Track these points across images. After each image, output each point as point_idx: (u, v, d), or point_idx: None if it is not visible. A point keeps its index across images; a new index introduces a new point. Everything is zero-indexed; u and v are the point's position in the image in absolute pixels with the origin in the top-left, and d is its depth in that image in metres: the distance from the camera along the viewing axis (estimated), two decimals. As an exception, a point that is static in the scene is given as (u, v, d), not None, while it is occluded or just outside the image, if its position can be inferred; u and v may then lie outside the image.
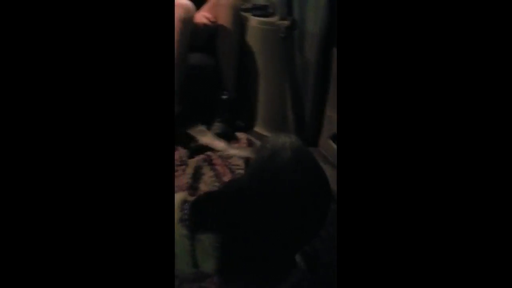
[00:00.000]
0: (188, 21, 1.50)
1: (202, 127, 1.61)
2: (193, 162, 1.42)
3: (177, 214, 0.78)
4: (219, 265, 0.75)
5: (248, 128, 1.77)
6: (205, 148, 1.51)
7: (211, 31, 1.66)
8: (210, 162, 1.44)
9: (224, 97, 1.68)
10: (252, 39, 1.73)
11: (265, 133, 1.75)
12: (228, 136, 1.63)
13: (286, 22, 1.62)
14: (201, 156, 1.46)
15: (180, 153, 1.46)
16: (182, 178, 1.31)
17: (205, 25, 1.63)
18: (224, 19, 1.66)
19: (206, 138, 1.54)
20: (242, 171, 1.38)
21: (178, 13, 1.48)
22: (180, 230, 0.75)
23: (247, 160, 1.44)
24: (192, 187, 1.28)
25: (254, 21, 1.71)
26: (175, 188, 1.21)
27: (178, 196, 0.82)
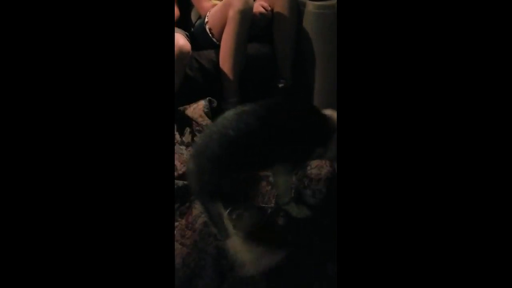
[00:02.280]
0: (246, 12, 1.53)
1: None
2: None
3: None
4: None
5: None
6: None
7: (268, 19, 1.67)
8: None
9: (281, 85, 1.69)
10: (309, 24, 1.70)
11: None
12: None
13: (344, 5, 1.56)
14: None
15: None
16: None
17: (261, 14, 1.65)
18: (281, 7, 1.65)
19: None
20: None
21: (237, 5, 1.51)
22: None
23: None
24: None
25: (311, 6, 1.68)
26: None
27: None
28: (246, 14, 1.53)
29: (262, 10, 1.64)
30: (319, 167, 1.34)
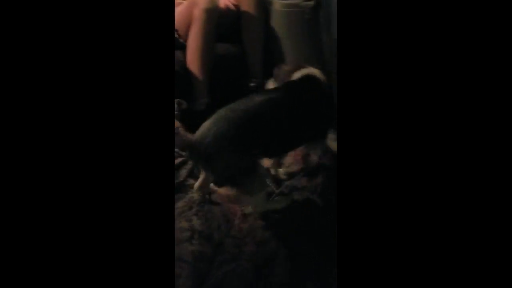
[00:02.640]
0: (212, 10, 1.50)
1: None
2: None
3: None
4: None
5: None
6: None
7: (234, 15, 1.65)
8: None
9: (252, 84, 1.67)
10: (277, 23, 1.70)
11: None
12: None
13: (310, 3, 1.58)
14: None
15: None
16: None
17: (228, 8, 1.62)
18: (247, 5, 1.64)
19: None
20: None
21: (202, 4, 1.48)
22: None
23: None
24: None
25: (278, 4, 1.67)
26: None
27: None
28: (211, 13, 1.50)
29: (229, 4, 1.62)
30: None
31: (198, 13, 1.49)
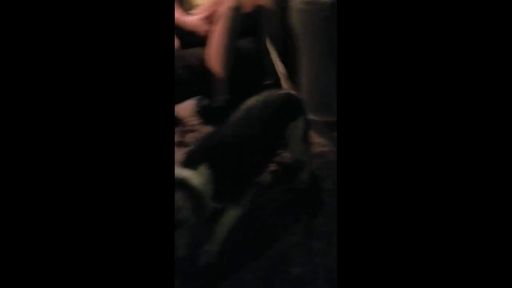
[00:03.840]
0: (238, 9, 1.52)
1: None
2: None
3: None
4: None
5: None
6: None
7: (256, 15, 1.65)
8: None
9: (268, 82, 1.69)
10: (296, 20, 1.70)
11: (310, 116, 1.74)
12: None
13: (329, 0, 1.57)
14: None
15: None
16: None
17: (252, 6, 1.62)
18: (265, 2, 1.64)
19: None
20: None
21: (229, 2, 1.50)
22: None
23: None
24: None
25: (296, 1, 1.67)
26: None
27: None
28: (237, 11, 1.51)
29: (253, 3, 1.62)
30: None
31: (224, 11, 1.50)
